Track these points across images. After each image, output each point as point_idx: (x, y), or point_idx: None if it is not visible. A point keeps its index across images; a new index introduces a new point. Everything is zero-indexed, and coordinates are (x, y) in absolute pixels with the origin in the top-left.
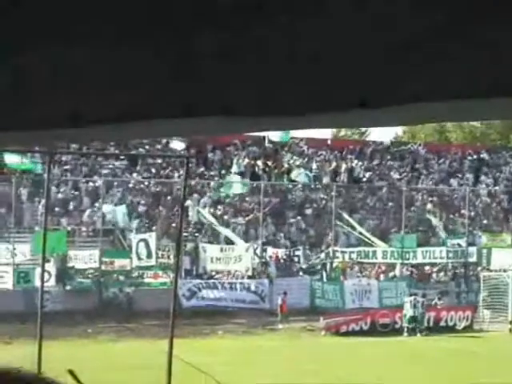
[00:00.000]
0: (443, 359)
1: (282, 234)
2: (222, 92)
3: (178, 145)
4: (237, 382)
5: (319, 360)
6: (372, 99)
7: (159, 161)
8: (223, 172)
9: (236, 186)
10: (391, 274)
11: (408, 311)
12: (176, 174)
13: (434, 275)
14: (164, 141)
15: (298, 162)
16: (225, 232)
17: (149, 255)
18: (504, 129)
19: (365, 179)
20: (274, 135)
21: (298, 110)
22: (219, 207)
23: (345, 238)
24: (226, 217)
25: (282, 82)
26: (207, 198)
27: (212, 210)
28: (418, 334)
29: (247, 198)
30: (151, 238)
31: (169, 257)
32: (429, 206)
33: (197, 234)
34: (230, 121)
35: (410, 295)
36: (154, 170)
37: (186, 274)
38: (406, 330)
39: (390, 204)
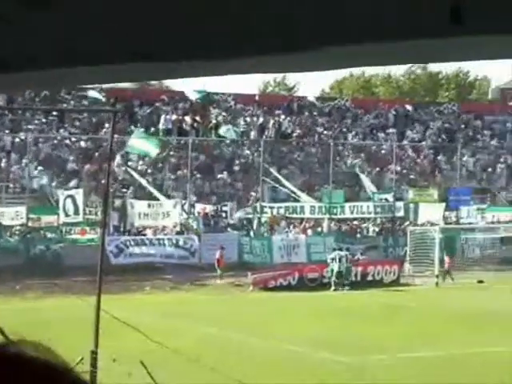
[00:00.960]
0: (368, 312)
1: (209, 190)
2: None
3: (95, 94)
4: (161, 335)
5: (244, 314)
6: (295, 43)
7: (86, 116)
8: (151, 128)
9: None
10: (319, 229)
11: (334, 266)
12: (103, 130)
13: (362, 230)
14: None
15: (225, 118)
16: (152, 188)
17: (76, 211)
18: (431, 84)
19: (292, 135)
20: (191, 93)
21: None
22: (146, 163)
23: (272, 194)
24: (153, 173)
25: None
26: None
27: (139, 166)
28: (346, 289)
29: (175, 154)
30: (78, 194)
31: (96, 213)
32: (356, 161)
33: (124, 190)
34: (145, 67)
35: (334, 250)
36: (81, 126)
37: (114, 230)
38: (333, 284)
39: (318, 159)
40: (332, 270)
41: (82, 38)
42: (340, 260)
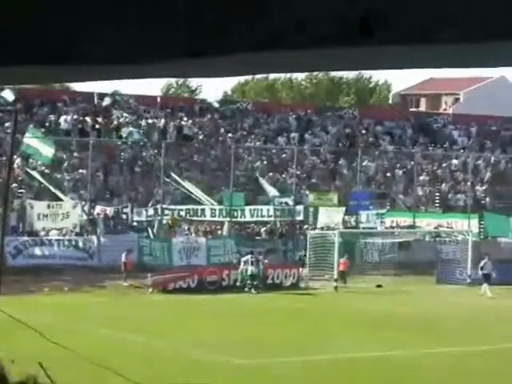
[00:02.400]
0: (267, 316)
1: (110, 192)
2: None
3: (8, 94)
4: (60, 336)
5: (142, 316)
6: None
7: None
8: (52, 128)
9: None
10: (219, 232)
11: (247, 268)
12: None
13: (262, 233)
14: None
15: (127, 119)
16: (53, 188)
17: None
18: (333, 89)
19: (194, 137)
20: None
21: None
22: (46, 164)
23: (173, 196)
24: (53, 173)
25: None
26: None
27: (39, 167)
28: (253, 292)
29: (76, 155)
30: None
31: None
32: (257, 164)
33: (24, 191)
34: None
35: (247, 254)
36: None
37: (13, 231)
38: (247, 286)
39: (219, 162)
40: (244, 273)
41: None
42: (252, 263)
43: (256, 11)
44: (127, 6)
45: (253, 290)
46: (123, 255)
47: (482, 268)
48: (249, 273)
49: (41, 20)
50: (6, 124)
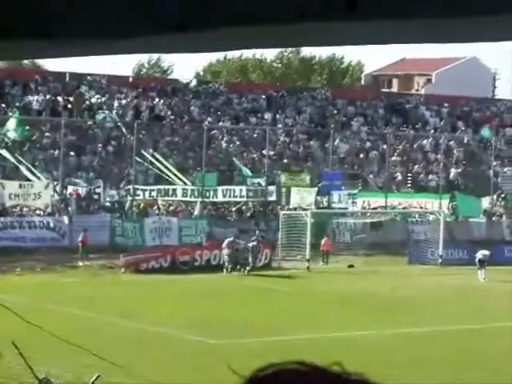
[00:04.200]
0: (239, 296)
1: (82, 172)
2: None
3: None
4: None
5: (115, 296)
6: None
7: None
8: (23, 107)
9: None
10: (191, 212)
11: (227, 251)
12: None
13: (234, 214)
14: None
15: (99, 100)
16: (23, 168)
17: None
18: (304, 70)
19: (166, 117)
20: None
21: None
22: (17, 143)
23: (145, 176)
24: (25, 153)
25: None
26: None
27: (11, 146)
28: (219, 272)
29: (47, 134)
30: None
31: None
32: (230, 144)
33: None
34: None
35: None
36: None
37: None
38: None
39: (192, 142)
40: (229, 255)
41: None
42: (233, 246)
43: None
44: None
45: (225, 271)
46: (80, 235)
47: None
48: (240, 255)
49: None
50: None
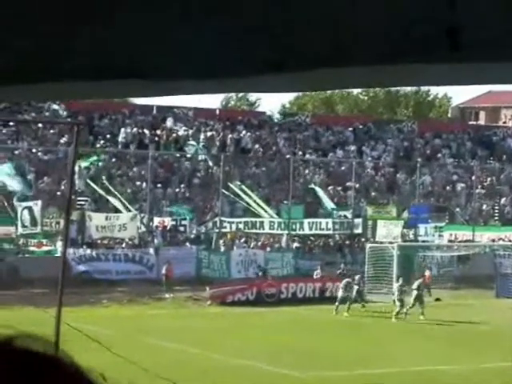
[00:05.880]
0: (328, 328)
1: (169, 204)
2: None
3: (54, 106)
4: (121, 348)
5: (201, 328)
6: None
7: (47, 127)
8: (110, 141)
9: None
10: (278, 245)
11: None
12: (62, 141)
13: (320, 246)
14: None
15: (186, 132)
16: (111, 200)
17: (34, 223)
18: (390, 102)
19: (252, 150)
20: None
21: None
22: (105, 176)
23: (232, 209)
24: (112, 186)
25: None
26: (94, 166)
27: (99, 179)
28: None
29: (135, 167)
30: (36, 205)
31: (53, 225)
32: (316, 177)
33: (83, 203)
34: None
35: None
36: (41, 137)
37: (72, 243)
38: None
39: (278, 175)
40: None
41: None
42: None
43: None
44: (200, 17)
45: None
46: (164, 267)
47: None
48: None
49: (104, 35)
50: (64, 137)
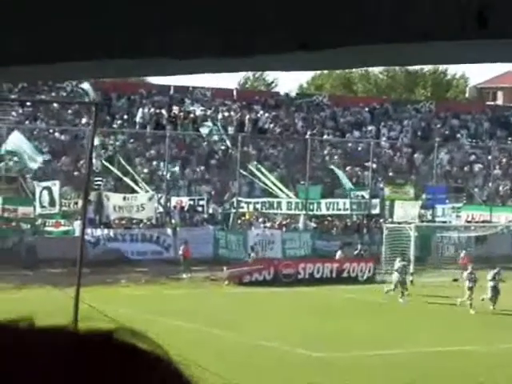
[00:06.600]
0: (344, 309)
1: (186, 184)
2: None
3: (87, 86)
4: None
5: (219, 308)
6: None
7: (64, 107)
8: (128, 121)
9: None
10: (295, 225)
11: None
12: (81, 121)
13: (338, 227)
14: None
15: (203, 112)
16: (128, 181)
17: (52, 203)
18: (409, 82)
19: (270, 130)
20: None
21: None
22: (124, 156)
23: (249, 189)
24: (129, 165)
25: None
26: (111, 146)
27: (116, 159)
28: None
29: (152, 147)
30: (55, 186)
31: (71, 205)
32: (333, 157)
33: (100, 183)
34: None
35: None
36: (58, 117)
37: (89, 223)
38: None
39: (295, 155)
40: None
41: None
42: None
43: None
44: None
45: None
46: (181, 247)
47: None
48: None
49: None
50: (83, 119)
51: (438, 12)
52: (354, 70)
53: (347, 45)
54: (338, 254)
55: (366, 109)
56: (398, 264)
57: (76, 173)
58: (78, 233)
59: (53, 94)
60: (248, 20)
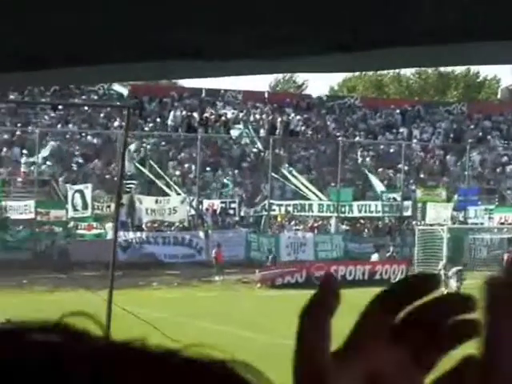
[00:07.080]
0: None
1: (218, 187)
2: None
3: (121, 88)
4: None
5: (251, 311)
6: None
7: (96, 111)
8: (159, 124)
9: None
10: (327, 228)
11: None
12: (113, 124)
13: (370, 229)
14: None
15: (234, 115)
16: (160, 184)
17: (84, 206)
18: (440, 84)
19: (301, 132)
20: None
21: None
22: (156, 158)
23: (281, 191)
24: (161, 168)
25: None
26: (143, 149)
27: (148, 162)
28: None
29: (184, 150)
30: (87, 189)
31: (103, 208)
32: (365, 159)
33: (132, 186)
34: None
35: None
36: (91, 120)
37: (121, 226)
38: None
39: (327, 157)
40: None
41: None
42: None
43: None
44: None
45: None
46: (213, 250)
47: None
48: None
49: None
50: (116, 122)
51: (474, 12)
52: (385, 72)
53: (386, 46)
54: (374, 256)
55: (398, 111)
56: (453, 270)
57: (108, 176)
58: (110, 236)
59: (83, 97)
60: (287, 22)
